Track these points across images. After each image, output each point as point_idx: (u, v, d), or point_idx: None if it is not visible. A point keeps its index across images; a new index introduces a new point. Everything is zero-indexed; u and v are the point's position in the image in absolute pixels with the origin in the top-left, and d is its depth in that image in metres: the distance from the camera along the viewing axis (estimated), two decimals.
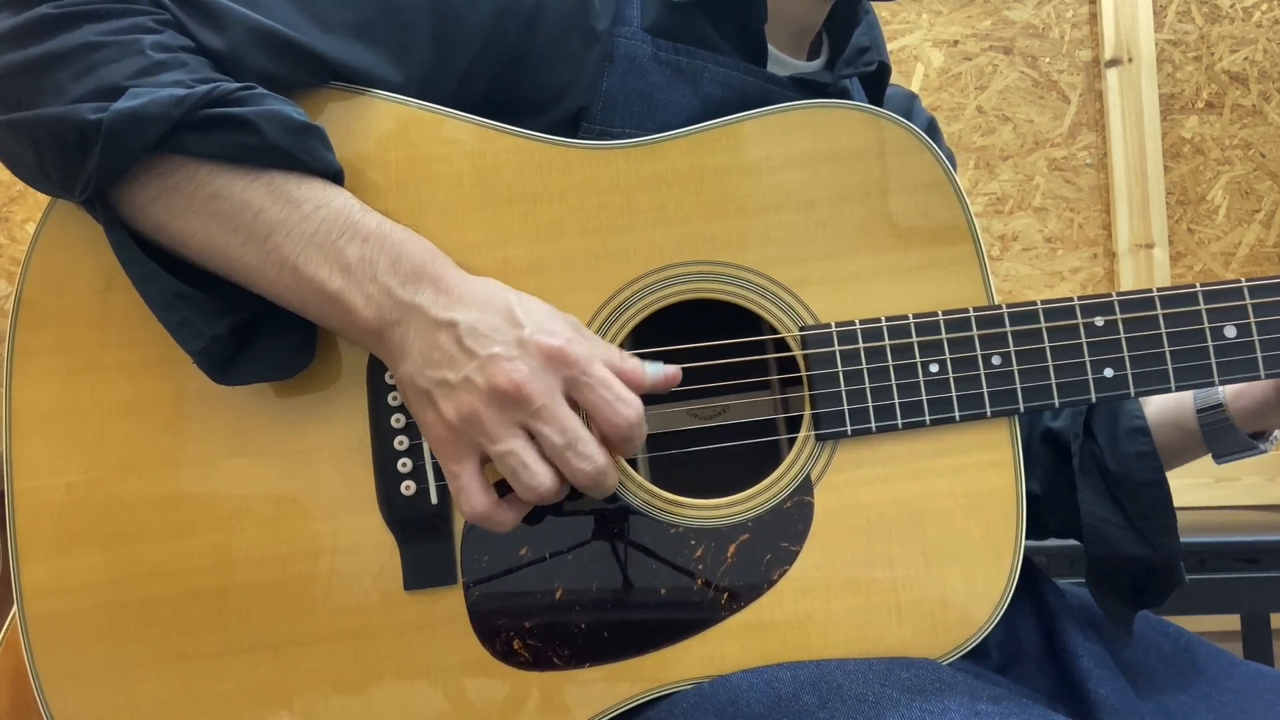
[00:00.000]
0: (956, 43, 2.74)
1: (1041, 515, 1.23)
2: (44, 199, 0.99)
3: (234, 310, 0.94)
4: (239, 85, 0.91)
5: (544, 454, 0.91)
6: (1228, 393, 1.15)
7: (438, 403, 0.90)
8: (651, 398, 1.02)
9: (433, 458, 0.98)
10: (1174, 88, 2.73)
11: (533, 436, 0.90)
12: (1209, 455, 1.18)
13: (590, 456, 0.91)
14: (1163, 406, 1.18)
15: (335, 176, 0.96)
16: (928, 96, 2.71)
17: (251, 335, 0.96)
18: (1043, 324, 1.02)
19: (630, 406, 0.91)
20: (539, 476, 0.90)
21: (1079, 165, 2.73)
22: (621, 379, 0.93)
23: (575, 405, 0.92)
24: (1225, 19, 2.73)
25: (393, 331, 0.92)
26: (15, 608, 0.97)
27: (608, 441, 0.93)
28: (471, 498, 0.92)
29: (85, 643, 0.96)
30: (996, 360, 1.02)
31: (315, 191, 0.93)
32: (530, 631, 0.99)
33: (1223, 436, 1.15)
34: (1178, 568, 1.15)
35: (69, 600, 0.97)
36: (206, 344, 0.93)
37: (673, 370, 0.96)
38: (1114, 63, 2.69)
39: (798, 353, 1.02)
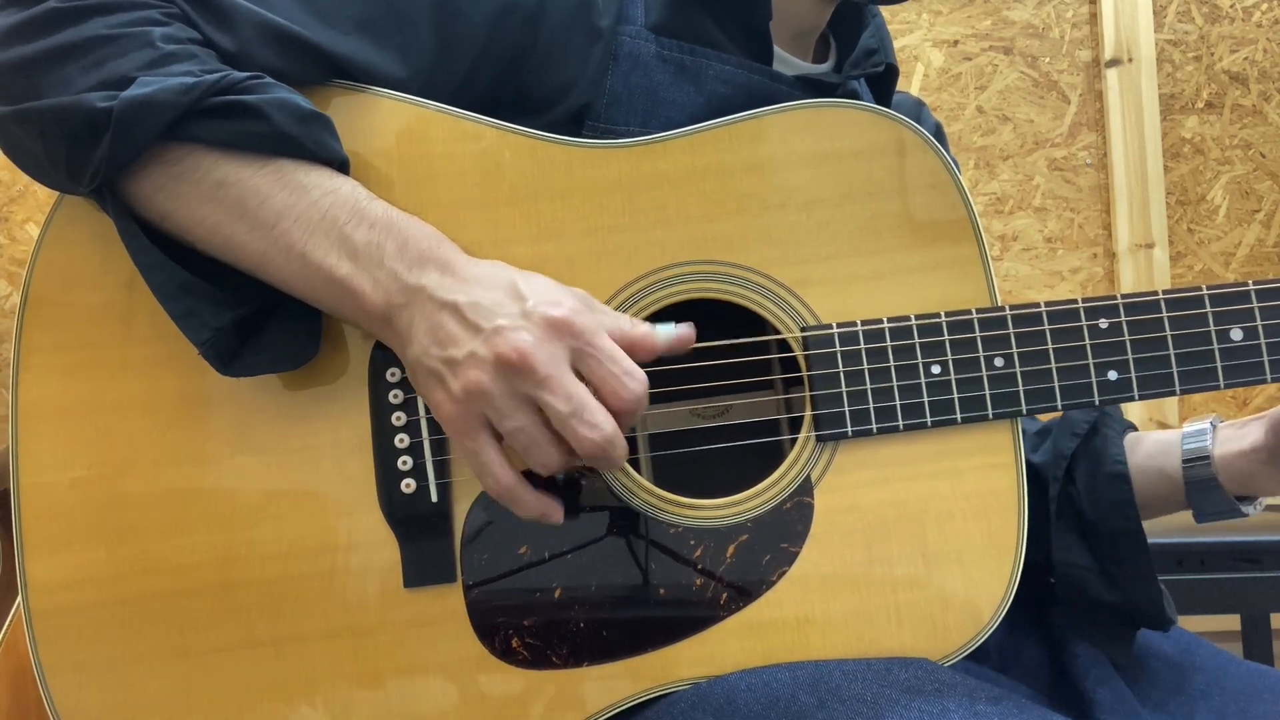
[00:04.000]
0: (956, 43, 2.74)
1: None
2: (45, 199, 0.99)
3: (240, 301, 0.94)
4: (248, 74, 0.92)
5: (550, 425, 0.90)
6: (1216, 447, 1.11)
7: (446, 381, 0.90)
8: (654, 397, 1.02)
9: (434, 455, 0.98)
10: (1174, 88, 2.73)
11: (539, 409, 0.89)
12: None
13: (598, 425, 0.89)
14: (1151, 451, 1.15)
15: (342, 165, 0.96)
16: (928, 96, 2.71)
17: (257, 326, 0.96)
18: (1046, 325, 1.02)
19: (636, 381, 0.90)
20: (550, 451, 0.90)
21: (1079, 165, 2.73)
22: (633, 346, 0.92)
23: (580, 377, 0.90)
24: (1225, 19, 2.73)
25: (399, 315, 0.92)
26: (20, 602, 0.97)
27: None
28: (496, 474, 0.91)
29: (89, 637, 0.97)
30: (999, 362, 1.02)
31: (322, 179, 0.93)
32: (529, 630, 0.99)
33: (1206, 493, 1.11)
34: (1162, 612, 1.12)
35: (73, 595, 0.97)
36: (212, 335, 0.93)
37: (685, 329, 0.95)
38: (1114, 63, 2.69)
39: (799, 353, 1.02)
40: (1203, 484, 1.11)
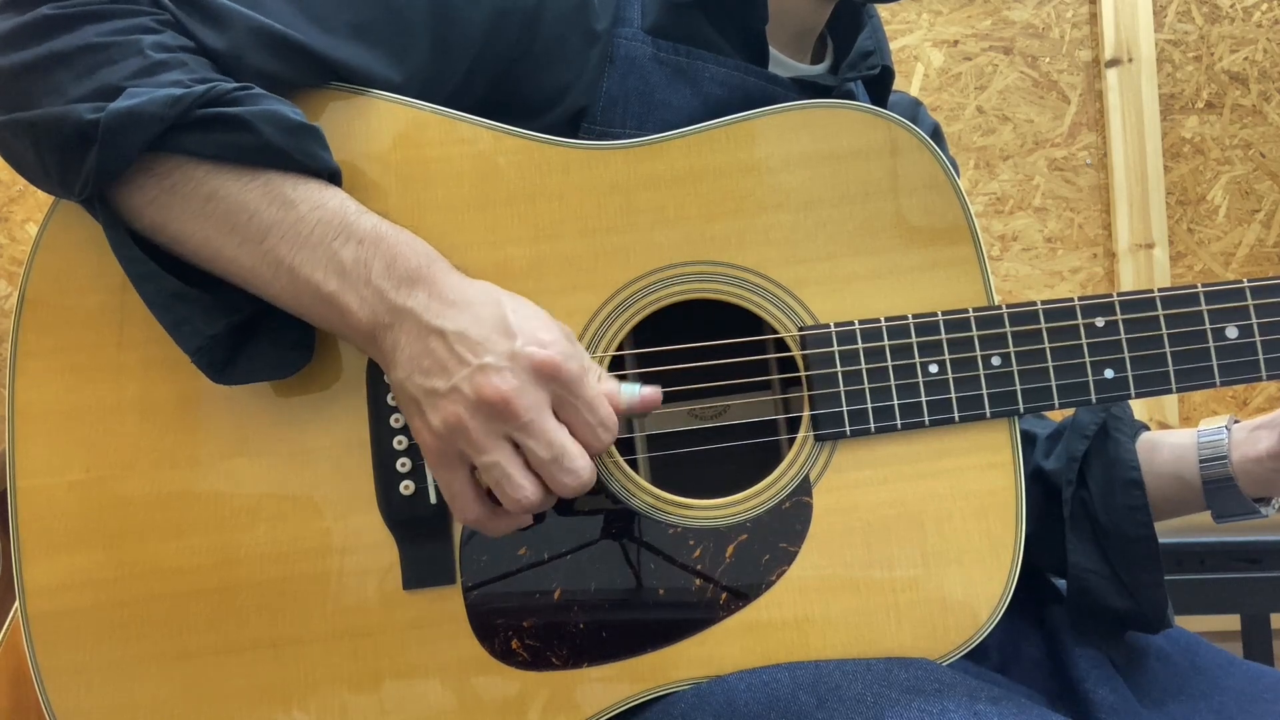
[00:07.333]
0: (956, 43, 2.74)
1: (1029, 554, 1.20)
2: (44, 199, 0.99)
3: (232, 310, 0.94)
4: (236, 85, 0.91)
5: (529, 465, 0.91)
6: (1233, 451, 1.11)
7: (425, 411, 0.91)
8: None
9: None
10: (1174, 88, 2.73)
11: (517, 447, 0.90)
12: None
13: (576, 471, 0.91)
14: (1168, 457, 1.14)
15: (332, 176, 0.96)
16: (927, 96, 2.71)
17: (249, 335, 0.96)
18: (1043, 324, 1.02)
19: (609, 432, 0.92)
20: (523, 489, 0.90)
21: (1079, 165, 2.73)
22: None
23: (556, 417, 0.92)
24: (1225, 19, 2.72)
25: (385, 335, 0.92)
26: (17, 605, 0.97)
27: None
28: (464, 506, 0.93)
29: (87, 640, 0.97)
30: (996, 361, 1.02)
31: (311, 192, 0.93)
32: (528, 631, 0.99)
33: (1225, 496, 1.12)
34: (1164, 616, 1.13)
35: (71, 598, 0.97)
36: (204, 343, 0.93)
37: (649, 393, 0.95)
38: (1114, 63, 2.69)
39: (796, 353, 1.02)
40: (1221, 488, 1.11)
